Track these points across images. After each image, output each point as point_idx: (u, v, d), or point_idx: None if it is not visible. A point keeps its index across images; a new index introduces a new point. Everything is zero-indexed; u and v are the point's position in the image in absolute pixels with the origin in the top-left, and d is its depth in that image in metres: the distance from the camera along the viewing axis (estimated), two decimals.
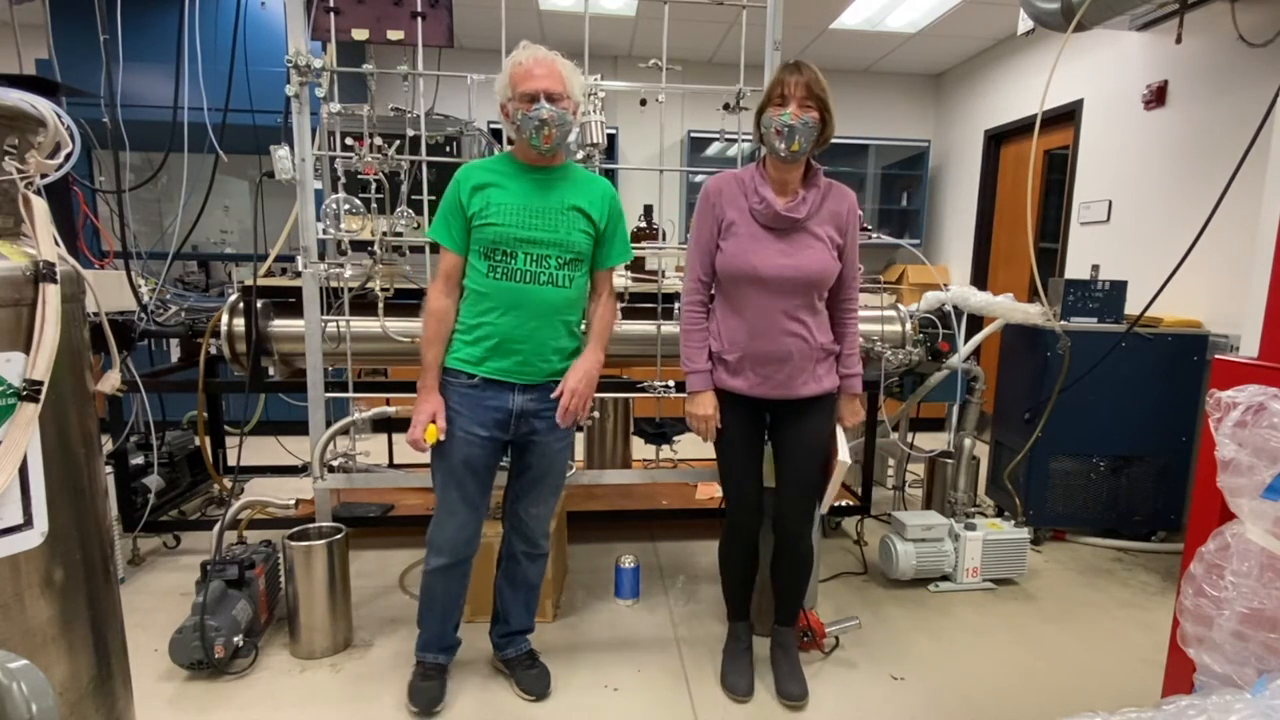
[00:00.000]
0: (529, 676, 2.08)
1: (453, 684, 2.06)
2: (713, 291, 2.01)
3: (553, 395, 1.90)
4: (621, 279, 2.69)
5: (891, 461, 3.53)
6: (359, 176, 2.30)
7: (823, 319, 1.94)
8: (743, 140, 2.41)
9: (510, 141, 1.91)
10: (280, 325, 2.63)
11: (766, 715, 2.01)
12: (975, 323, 3.55)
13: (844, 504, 3.17)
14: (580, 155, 2.29)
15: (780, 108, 1.78)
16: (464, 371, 1.84)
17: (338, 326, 2.38)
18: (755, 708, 2.04)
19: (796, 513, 2.04)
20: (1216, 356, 1.57)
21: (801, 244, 1.86)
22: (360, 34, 2.19)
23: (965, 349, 3.09)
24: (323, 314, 2.31)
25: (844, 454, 1.98)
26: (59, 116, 1.32)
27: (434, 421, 1.82)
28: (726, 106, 2.35)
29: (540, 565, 2.10)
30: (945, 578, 2.78)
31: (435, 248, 1.94)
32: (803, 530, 2.06)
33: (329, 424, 2.32)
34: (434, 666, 2.03)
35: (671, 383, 2.51)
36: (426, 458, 1.90)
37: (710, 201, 1.93)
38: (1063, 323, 3.08)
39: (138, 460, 3.00)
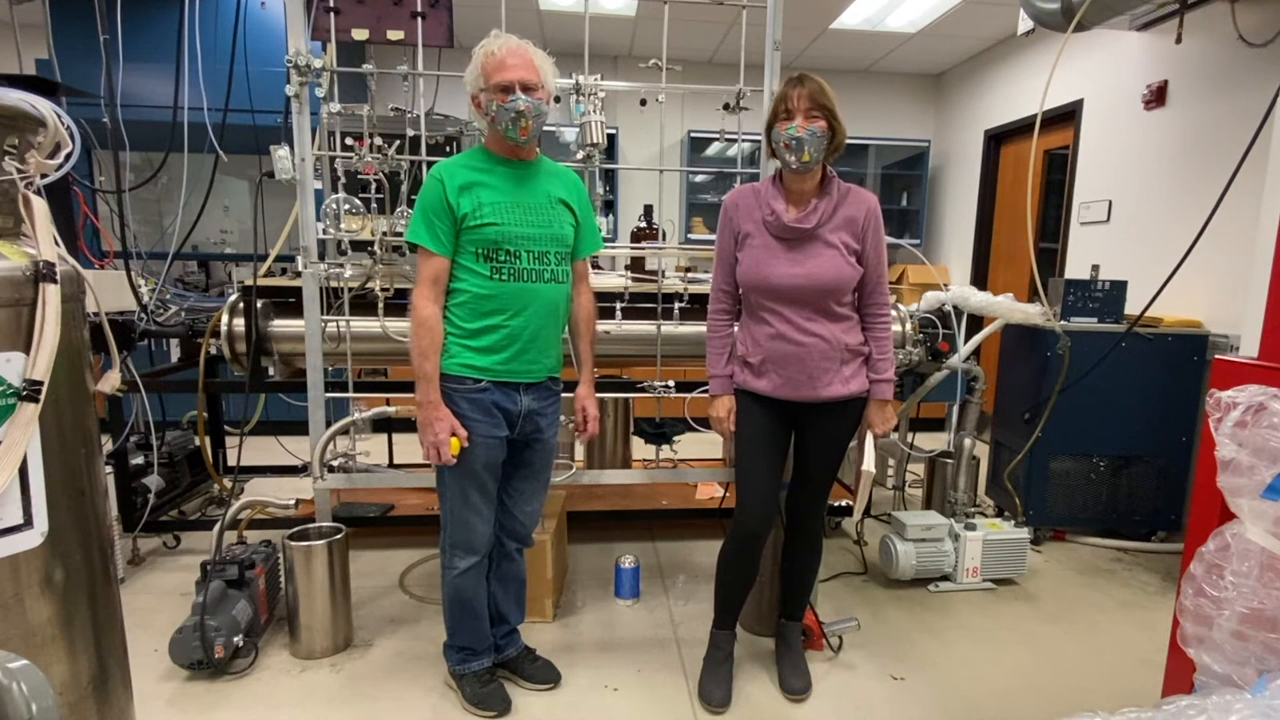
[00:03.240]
0: (538, 669, 2.11)
1: (452, 695, 2.06)
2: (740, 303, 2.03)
3: (577, 429, 2.04)
4: (621, 279, 2.69)
5: (891, 461, 3.53)
6: (359, 176, 2.29)
7: (849, 323, 1.92)
8: (743, 140, 2.42)
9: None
10: (280, 325, 2.63)
11: (767, 714, 2.01)
12: (975, 323, 3.54)
13: (843, 504, 3.17)
14: (580, 155, 2.29)
15: (787, 121, 1.80)
16: (470, 378, 1.81)
17: (338, 326, 2.38)
18: (755, 707, 2.04)
19: (808, 500, 2.07)
20: (1216, 356, 1.57)
21: (813, 253, 1.86)
22: (360, 34, 2.19)
23: (965, 349, 3.09)
24: (323, 314, 2.31)
25: (868, 463, 1.96)
26: (59, 116, 1.32)
27: (454, 434, 1.79)
28: (726, 106, 2.35)
29: (525, 557, 2.13)
30: (945, 578, 2.78)
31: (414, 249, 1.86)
32: (814, 518, 2.09)
33: (329, 424, 2.32)
34: (487, 671, 2.02)
35: (671, 383, 2.51)
36: (422, 456, 1.88)
37: (729, 215, 1.96)
38: (1063, 323, 3.08)
39: (138, 460, 3.00)
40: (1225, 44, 3.16)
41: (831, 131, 1.80)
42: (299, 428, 2.41)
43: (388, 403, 2.45)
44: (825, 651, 2.30)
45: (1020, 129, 4.70)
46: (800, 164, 1.80)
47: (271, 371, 2.72)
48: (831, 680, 2.18)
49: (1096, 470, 3.17)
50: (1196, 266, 2.84)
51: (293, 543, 2.18)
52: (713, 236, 2.13)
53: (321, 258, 2.28)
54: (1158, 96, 3.53)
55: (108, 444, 2.59)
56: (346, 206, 2.35)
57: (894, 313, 2.95)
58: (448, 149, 2.78)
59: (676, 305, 2.54)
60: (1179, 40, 3.16)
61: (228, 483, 3.20)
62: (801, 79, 1.81)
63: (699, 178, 5.65)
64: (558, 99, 1.92)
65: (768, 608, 2.36)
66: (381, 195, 2.29)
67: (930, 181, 5.70)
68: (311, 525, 2.31)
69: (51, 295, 1.24)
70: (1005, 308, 3.18)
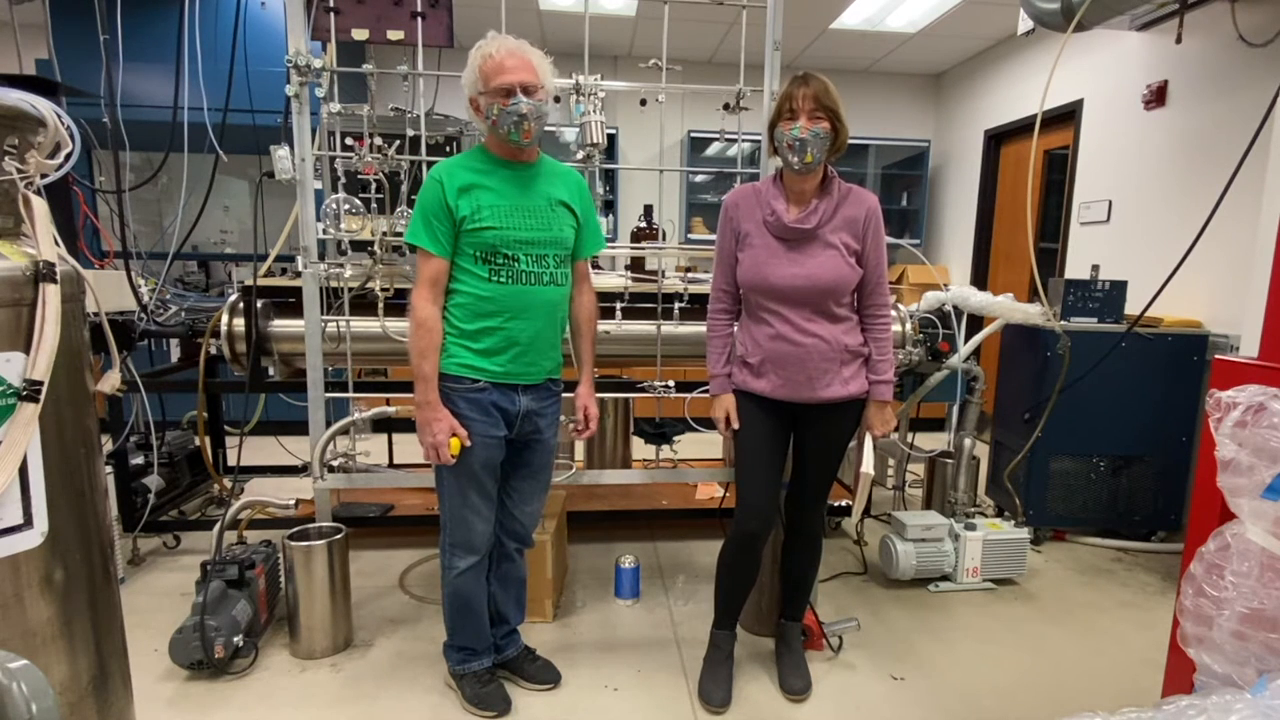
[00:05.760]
0: (538, 669, 2.11)
1: (452, 695, 2.06)
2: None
3: (576, 430, 2.01)
4: (621, 279, 2.69)
5: (891, 461, 3.53)
6: (359, 176, 2.29)
7: (848, 324, 1.92)
8: (743, 140, 2.42)
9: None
10: (280, 325, 2.63)
11: (767, 714, 2.01)
12: (975, 323, 3.55)
13: (843, 504, 3.17)
14: (580, 155, 2.29)
15: (791, 121, 1.79)
16: (468, 378, 1.81)
17: (338, 326, 2.38)
18: (755, 707, 2.04)
19: (807, 501, 2.07)
20: (1216, 356, 1.57)
21: (813, 253, 1.85)
22: (360, 34, 2.19)
23: (965, 349, 3.09)
24: (323, 314, 2.31)
25: (867, 464, 1.96)
26: (59, 116, 1.32)
27: (453, 434, 1.79)
28: (726, 106, 2.35)
29: (525, 557, 2.12)
30: (945, 578, 2.78)
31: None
32: (814, 518, 2.10)
33: (329, 424, 2.32)
34: (487, 671, 2.02)
35: (671, 383, 2.51)
36: (422, 455, 1.87)
37: (729, 215, 1.96)
38: (1063, 323, 3.08)
39: (138, 460, 3.00)
40: (1225, 44, 3.16)
41: (835, 132, 1.80)
42: (299, 428, 2.41)
43: (388, 403, 2.45)
44: (825, 651, 2.30)
45: (1020, 129, 4.70)
46: (803, 165, 1.80)
47: (271, 371, 2.71)
48: (831, 680, 2.18)
49: (1096, 470, 3.17)
50: (1196, 266, 2.84)
51: (293, 543, 2.18)
52: (713, 236, 2.13)
53: (321, 258, 2.28)
54: (1158, 96, 3.53)
55: (108, 444, 2.59)
56: (346, 206, 2.35)
57: (894, 313, 2.96)
58: (448, 149, 2.78)
59: (676, 305, 2.54)
60: (1179, 40, 3.16)
61: (228, 483, 3.21)
62: (806, 78, 1.80)
63: (699, 178, 5.65)
64: (557, 99, 1.91)
65: (768, 608, 2.36)
66: (381, 195, 2.29)
67: (930, 181, 5.70)
68: (311, 525, 2.31)
69: (51, 295, 1.24)
70: (1005, 308, 3.18)
